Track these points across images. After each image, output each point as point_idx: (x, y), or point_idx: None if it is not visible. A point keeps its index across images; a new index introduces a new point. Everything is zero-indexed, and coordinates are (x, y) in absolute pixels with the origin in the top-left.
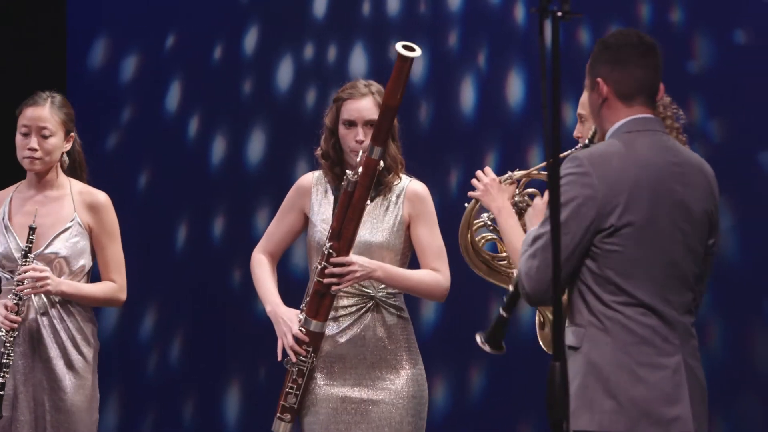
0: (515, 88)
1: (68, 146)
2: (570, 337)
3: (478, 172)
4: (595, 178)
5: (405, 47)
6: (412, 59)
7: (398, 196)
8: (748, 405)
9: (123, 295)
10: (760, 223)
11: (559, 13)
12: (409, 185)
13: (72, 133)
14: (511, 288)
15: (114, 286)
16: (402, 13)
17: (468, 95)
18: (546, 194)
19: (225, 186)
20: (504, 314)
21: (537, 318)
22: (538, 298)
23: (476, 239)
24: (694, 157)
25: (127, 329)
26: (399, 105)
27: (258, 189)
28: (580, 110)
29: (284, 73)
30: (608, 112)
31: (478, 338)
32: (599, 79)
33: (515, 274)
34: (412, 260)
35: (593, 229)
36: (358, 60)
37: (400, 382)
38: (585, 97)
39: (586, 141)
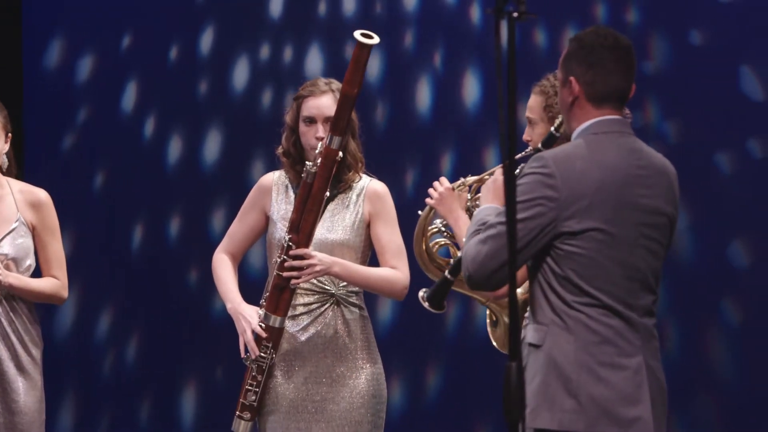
0: (471, 89)
1: (7, 147)
2: (531, 335)
3: (435, 182)
4: (558, 179)
5: (363, 35)
6: (370, 47)
7: (358, 195)
8: (703, 405)
9: (65, 293)
10: (716, 223)
11: (515, 14)
12: (370, 184)
13: (10, 134)
14: (459, 253)
15: (58, 282)
16: (358, 13)
17: (424, 95)
18: (444, 181)
19: (181, 186)
20: (449, 277)
21: (488, 317)
22: (477, 283)
23: (430, 245)
24: (658, 158)
25: (84, 329)
26: (358, 94)
27: (214, 189)
28: (528, 114)
29: (240, 74)
30: (577, 111)
31: (421, 294)
32: (572, 78)
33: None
34: (372, 259)
35: (550, 230)
36: (315, 60)
37: (360, 381)
38: (533, 101)
39: (552, 129)
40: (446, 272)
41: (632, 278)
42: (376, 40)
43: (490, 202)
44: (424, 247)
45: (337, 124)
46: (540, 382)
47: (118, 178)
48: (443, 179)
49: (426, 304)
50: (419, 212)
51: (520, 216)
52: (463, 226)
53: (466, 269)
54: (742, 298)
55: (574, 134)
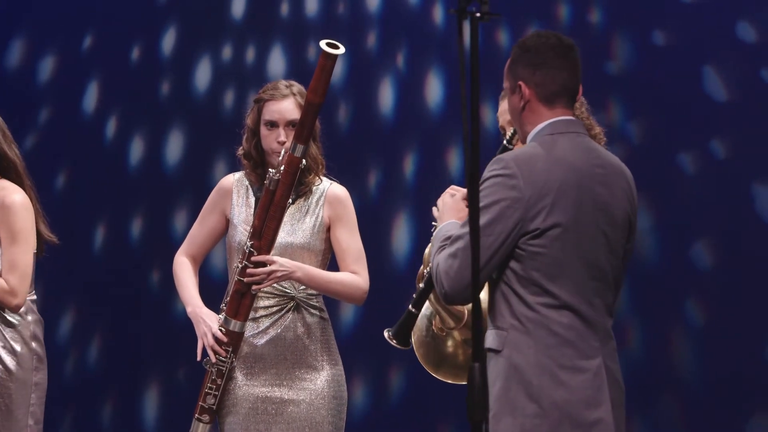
0: (434, 89)
1: None
2: (491, 340)
3: (450, 191)
4: (521, 180)
5: (329, 45)
6: (336, 56)
7: (318, 199)
8: (666, 406)
9: (14, 300)
10: (679, 224)
11: (478, 14)
12: (330, 188)
13: None
14: (420, 285)
15: (4, 285)
16: (320, 13)
17: (387, 96)
18: (456, 189)
19: (143, 187)
20: (413, 310)
21: (433, 324)
22: (454, 297)
23: None
24: (614, 159)
25: (45, 330)
26: (322, 102)
27: (176, 190)
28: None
29: (202, 74)
30: (530, 114)
31: (386, 333)
32: (521, 83)
33: (425, 272)
34: (331, 263)
35: (517, 231)
36: (277, 61)
37: (320, 383)
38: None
39: (504, 141)
40: (410, 306)
41: (595, 277)
42: (341, 50)
43: (451, 219)
44: None
45: (301, 132)
46: (501, 387)
47: (80, 179)
48: (457, 188)
49: (393, 342)
50: (434, 223)
51: (487, 220)
52: None
53: (440, 286)
54: (706, 299)
55: (530, 136)
